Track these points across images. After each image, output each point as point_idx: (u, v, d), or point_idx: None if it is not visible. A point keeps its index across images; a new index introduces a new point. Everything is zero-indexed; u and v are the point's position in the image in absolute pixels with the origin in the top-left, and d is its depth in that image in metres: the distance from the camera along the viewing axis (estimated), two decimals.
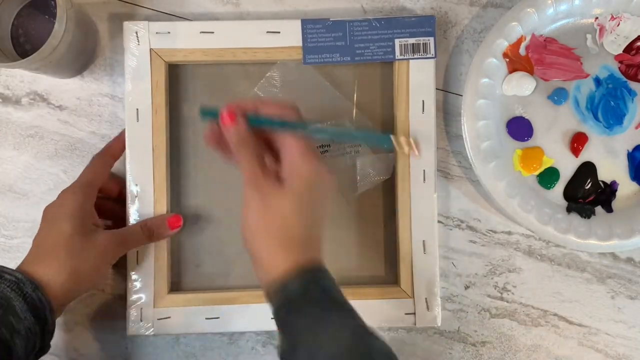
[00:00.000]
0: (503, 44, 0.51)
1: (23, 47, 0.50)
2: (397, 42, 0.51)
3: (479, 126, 0.51)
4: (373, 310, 0.51)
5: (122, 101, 0.54)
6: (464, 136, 0.51)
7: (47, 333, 0.43)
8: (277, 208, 0.40)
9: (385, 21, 0.51)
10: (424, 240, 0.51)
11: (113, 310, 0.54)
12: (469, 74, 0.51)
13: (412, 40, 0.51)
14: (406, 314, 0.51)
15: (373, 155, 0.53)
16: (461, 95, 0.51)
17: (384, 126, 0.54)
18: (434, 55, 0.52)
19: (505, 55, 0.51)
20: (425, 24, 0.51)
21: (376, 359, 0.37)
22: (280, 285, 0.39)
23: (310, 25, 0.51)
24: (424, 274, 0.51)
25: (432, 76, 0.52)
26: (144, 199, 0.51)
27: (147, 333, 0.51)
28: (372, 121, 0.54)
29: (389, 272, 0.54)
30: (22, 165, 0.54)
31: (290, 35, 0.51)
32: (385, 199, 0.54)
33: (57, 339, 0.54)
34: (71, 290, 0.45)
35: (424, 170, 0.51)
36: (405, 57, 0.51)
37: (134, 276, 0.51)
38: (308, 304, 0.38)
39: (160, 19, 0.54)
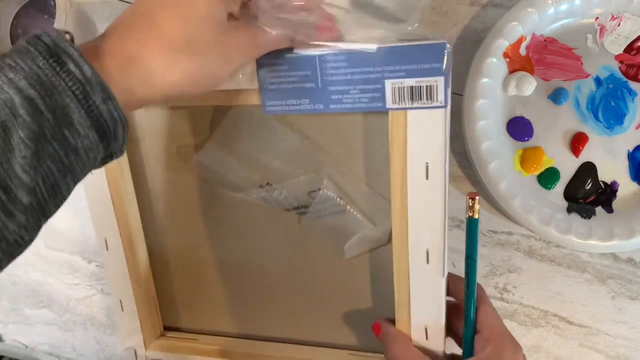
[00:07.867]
0: (503, 44, 0.51)
1: None
2: (388, 84, 0.36)
3: (479, 126, 0.50)
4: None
5: None
6: (464, 136, 0.51)
7: (115, 145, 0.31)
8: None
9: (370, 54, 0.35)
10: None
11: (113, 310, 0.54)
12: (469, 74, 0.51)
13: (409, 82, 0.35)
14: None
15: (363, 219, 0.46)
16: (461, 95, 0.51)
17: (377, 186, 0.43)
18: (443, 104, 0.35)
19: (505, 55, 0.51)
20: (431, 56, 0.34)
21: None
22: None
23: (265, 60, 0.37)
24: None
25: (442, 132, 0.37)
26: (114, 245, 0.49)
27: None
28: (359, 181, 0.44)
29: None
30: None
31: (248, 74, 0.39)
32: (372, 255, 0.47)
33: (57, 339, 0.54)
34: (173, 95, 0.32)
35: (427, 250, 0.42)
36: (401, 107, 0.36)
37: (123, 321, 0.50)
38: None
39: None
